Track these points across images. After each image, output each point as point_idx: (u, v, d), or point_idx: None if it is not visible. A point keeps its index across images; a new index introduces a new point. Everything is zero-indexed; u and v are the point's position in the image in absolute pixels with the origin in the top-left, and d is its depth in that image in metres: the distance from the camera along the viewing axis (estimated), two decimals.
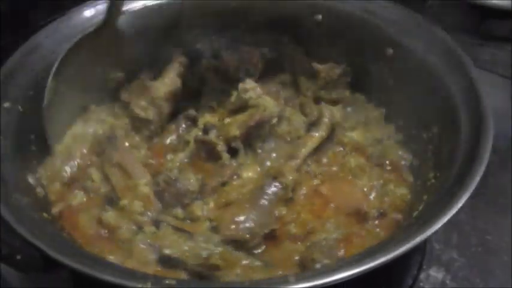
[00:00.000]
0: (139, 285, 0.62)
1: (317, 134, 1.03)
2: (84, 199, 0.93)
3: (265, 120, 1.01)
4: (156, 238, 0.84)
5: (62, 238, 0.76)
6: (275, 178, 0.94)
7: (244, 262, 0.82)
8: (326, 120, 1.05)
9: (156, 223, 0.88)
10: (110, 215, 0.88)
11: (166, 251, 0.81)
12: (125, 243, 0.84)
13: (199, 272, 0.79)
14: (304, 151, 1.01)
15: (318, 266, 0.79)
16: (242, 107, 1.04)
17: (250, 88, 1.04)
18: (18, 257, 0.69)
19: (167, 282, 0.64)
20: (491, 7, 1.46)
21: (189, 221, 0.90)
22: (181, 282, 0.68)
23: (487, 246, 0.98)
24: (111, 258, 0.80)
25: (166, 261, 0.80)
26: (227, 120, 1.03)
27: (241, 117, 1.02)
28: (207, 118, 1.07)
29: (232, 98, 1.06)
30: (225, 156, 0.99)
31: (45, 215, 0.81)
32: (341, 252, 0.84)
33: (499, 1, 1.45)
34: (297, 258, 0.84)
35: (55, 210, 0.89)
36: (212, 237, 0.85)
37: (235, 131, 0.99)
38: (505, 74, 1.36)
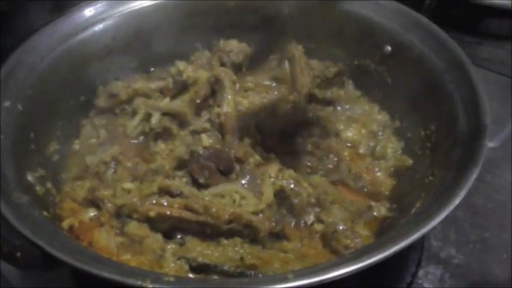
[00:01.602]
0: (139, 283, 0.63)
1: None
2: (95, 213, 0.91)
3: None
4: (184, 251, 0.84)
5: (62, 236, 0.76)
6: None
7: (279, 257, 0.83)
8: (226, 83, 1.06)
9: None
10: (134, 225, 0.86)
11: (201, 260, 0.81)
12: (154, 253, 0.83)
13: (241, 272, 0.80)
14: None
15: (347, 252, 0.82)
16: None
17: (184, 69, 1.08)
18: (19, 254, 0.69)
19: (166, 279, 0.64)
20: (490, 6, 1.46)
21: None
22: (180, 279, 0.68)
23: (485, 243, 0.98)
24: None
25: (202, 269, 0.81)
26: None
27: (188, 97, 1.05)
28: None
29: (170, 84, 1.08)
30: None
31: (45, 213, 0.81)
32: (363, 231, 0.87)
33: (498, 0, 1.45)
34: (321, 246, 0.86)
35: (65, 224, 0.88)
36: (236, 240, 0.85)
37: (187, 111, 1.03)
38: (503, 72, 1.36)
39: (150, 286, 0.62)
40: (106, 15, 1.12)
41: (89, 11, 1.10)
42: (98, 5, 1.11)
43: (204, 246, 0.84)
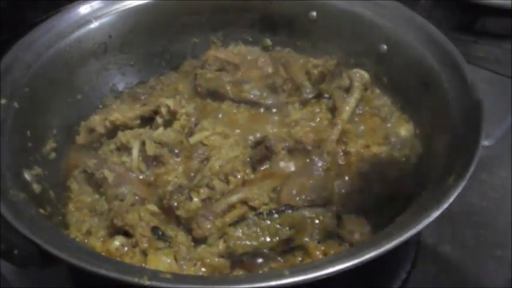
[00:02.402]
0: (136, 280, 0.63)
1: (352, 99, 1.07)
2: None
3: None
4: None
5: (59, 234, 0.76)
6: (318, 147, 0.99)
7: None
8: (357, 84, 1.09)
9: None
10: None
11: (247, 243, 0.84)
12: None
13: (283, 250, 0.84)
14: (344, 116, 1.04)
15: (356, 235, 0.84)
16: None
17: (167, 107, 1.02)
18: (16, 252, 0.69)
19: (163, 276, 0.65)
20: (486, 5, 1.47)
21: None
22: (177, 277, 0.68)
23: (480, 241, 0.99)
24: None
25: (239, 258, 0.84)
26: None
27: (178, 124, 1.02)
28: None
29: (146, 113, 1.03)
30: None
31: (42, 210, 0.82)
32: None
33: (497, 0, 1.46)
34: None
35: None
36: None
37: None
38: (498, 70, 1.37)
39: (148, 283, 0.62)
40: (102, 13, 1.12)
41: (84, 9, 1.10)
42: (94, 3, 1.11)
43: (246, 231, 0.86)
